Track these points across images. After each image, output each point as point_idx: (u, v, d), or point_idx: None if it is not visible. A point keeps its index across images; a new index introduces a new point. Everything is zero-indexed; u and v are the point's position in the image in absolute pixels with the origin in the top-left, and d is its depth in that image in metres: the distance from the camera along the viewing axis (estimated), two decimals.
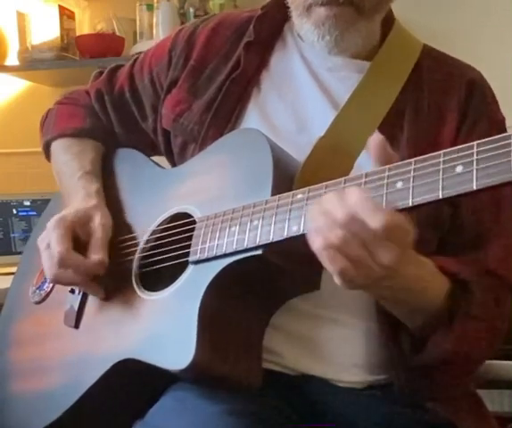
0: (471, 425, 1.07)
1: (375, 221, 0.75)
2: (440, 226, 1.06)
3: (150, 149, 1.30)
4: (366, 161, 1.02)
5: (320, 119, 1.08)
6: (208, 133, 1.14)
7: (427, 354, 0.98)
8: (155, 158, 1.28)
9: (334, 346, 1.05)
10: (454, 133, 1.07)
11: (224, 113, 1.14)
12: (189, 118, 1.17)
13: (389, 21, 1.15)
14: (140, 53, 1.36)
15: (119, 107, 1.31)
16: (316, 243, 0.80)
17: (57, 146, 1.32)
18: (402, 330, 1.01)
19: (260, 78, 1.16)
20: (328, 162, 0.99)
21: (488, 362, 1.40)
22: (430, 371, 1.01)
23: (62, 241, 1.07)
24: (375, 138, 0.82)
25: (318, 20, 1.06)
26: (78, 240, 1.10)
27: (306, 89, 1.13)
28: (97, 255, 1.08)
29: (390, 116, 1.07)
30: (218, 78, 1.17)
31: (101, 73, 1.37)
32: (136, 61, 1.32)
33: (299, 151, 1.01)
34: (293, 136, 1.09)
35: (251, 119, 1.13)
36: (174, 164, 1.23)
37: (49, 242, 1.08)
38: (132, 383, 1.04)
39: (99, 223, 1.11)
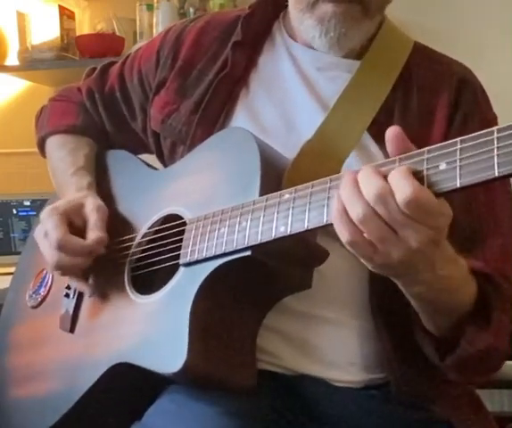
0: (470, 425, 1.07)
1: (402, 193, 0.73)
2: None
3: (141, 148, 1.30)
4: (354, 163, 1.02)
5: (309, 120, 1.07)
6: (196, 134, 1.13)
7: (462, 352, 0.95)
8: (148, 157, 1.28)
9: (329, 345, 1.05)
10: (444, 132, 1.06)
11: (212, 114, 1.14)
12: (177, 119, 1.17)
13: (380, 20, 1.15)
14: None
15: (109, 106, 1.31)
16: (334, 212, 0.78)
17: (51, 143, 1.33)
18: (421, 333, 0.99)
19: (248, 78, 1.16)
20: (315, 165, 0.98)
21: None
22: (461, 369, 0.99)
23: (59, 226, 1.07)
24: (393, 131, 0.77)
25: (324, 16, 1.05)
26: (74, 227, 1.10)
27: (295, 89, 1.13)
28: (95, 233, 1.08)
29: (379, 114, 1.07)
30: (206, 78, 1.16)
31: (94, 69, 1.37)
32: (127, 59, 1.32)
33: (288, 151, 1.01)
34: (281, 136, 1.08)
35: (240, 119, 1.12)
36: (165, 165, 1.23)
37: (46, 231, 1.09)
38: (127, 386, 1.04)
39: (93, 207, 1.11)
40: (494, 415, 1.16)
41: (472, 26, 2.43)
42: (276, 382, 1.04)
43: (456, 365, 0.98)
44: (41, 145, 1.36)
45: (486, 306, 0.95)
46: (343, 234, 0.77)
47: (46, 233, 1.08)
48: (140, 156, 1.28)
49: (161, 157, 1.24)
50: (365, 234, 0.76)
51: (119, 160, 1.27)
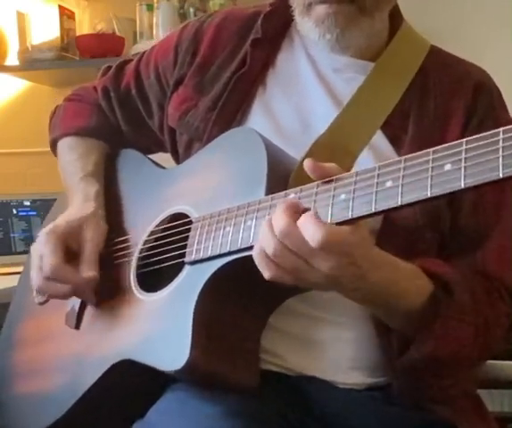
0: (471, 426, 1.06)
1: (313, 240, 0.78)
2: (440, 227, 1.05)
3: (156, 146, 1.30)
4: (366, 160, 1.02)
5: (325, 120, 1.07)
6: (212, 131, 1.13)
7: (411, 355, 0.97)
8: (162, 156, 1.28)
9: (333, 348, 1.05)
10: (458, 136, 1.05)
11: (229, 111, 1.13)
12: (195, 116, 1.16)
13: (397, 22, 1.15)
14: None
15: (125, 104, 1.30)
16: (253, 250, 0.85)
17: (63, 145, 1.32)
18: (392, 332, 1.01)
19: (265, 77, 1.15)
20: (326, 161, 0.99)
21: (488, 362, 1.39)
22: (417, 372, 0.99)
23: (55, 253, 1.07)
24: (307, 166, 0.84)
25: (318, 18, 1.06)
26: (70, 249, 1.10)
27: (311, 89, 1.13)
28: (88, 272, 1.08)
29: (394, 117, 1.07)
30: (224, 75, 1.16)
31: (109, 68, 1.36)
32: (142, 56, 1.31)
33: (303, 150, 1.01)
34: (297, 136, 1.08)
35: (256, 117, 1.12)
36: (179, 163, 1.22)
37: (41, 253, 1.09)
38: (131, 384, 1.04)
39: (91, 236, 1.12)
40: (494, 416, 1.16)
41: (472, 25, 2.43)
42: (279, 382, 1.04)
43: (405, 371, 0.98)
44: (53, 147, 1.36)
45: (433, 313, 0.95)
46: (264, 271, 0.84)
47: (41, 256, 1.09)
48: (153, 155, 1.28)
49: (175, 155, 1.23)
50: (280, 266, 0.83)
51: (127, 159, 1.27)
